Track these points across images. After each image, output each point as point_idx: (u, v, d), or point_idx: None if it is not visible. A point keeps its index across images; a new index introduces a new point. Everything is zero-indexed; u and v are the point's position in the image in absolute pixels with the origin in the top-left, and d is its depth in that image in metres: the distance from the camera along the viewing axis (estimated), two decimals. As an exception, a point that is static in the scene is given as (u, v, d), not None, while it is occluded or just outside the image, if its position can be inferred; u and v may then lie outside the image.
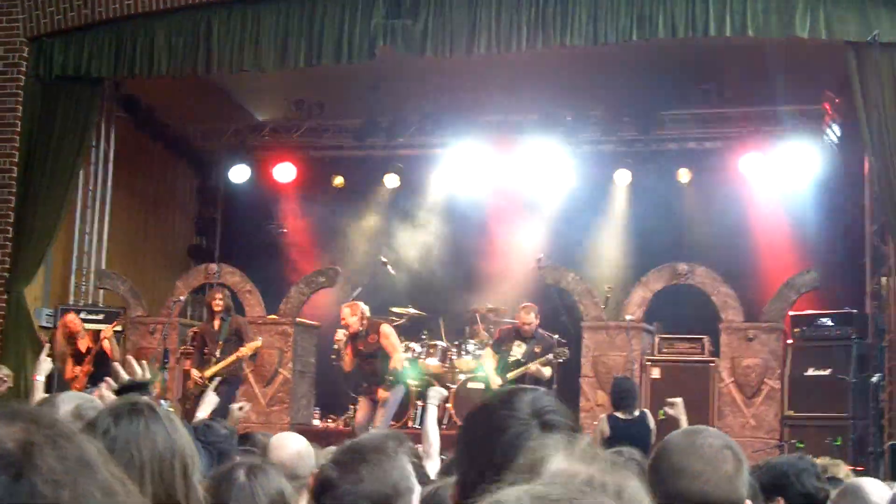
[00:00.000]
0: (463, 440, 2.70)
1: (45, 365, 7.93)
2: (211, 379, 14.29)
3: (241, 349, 14.32)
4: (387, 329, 14.45)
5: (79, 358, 15.02)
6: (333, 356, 14.57)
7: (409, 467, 3.13)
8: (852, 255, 16.13)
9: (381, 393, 14.01)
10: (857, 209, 15.85)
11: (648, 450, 6.62)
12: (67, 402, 3.96)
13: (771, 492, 4.92)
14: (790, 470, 4.98)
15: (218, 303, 14.72)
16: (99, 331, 15.23)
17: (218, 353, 14.39)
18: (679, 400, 10.24)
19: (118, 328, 15.69)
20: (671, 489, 3.16)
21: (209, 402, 7.55)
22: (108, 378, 14.46)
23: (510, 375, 14.14)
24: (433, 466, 6.12)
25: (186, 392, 14.45)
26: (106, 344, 15.09)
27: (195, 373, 14.47)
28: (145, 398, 3.01)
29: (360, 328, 14.17)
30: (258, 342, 14.63)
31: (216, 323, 14.69)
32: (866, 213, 15.41)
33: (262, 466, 3.85)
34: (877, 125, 13.03)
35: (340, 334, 14.33)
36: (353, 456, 3.12)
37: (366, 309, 14.42)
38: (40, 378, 8.00)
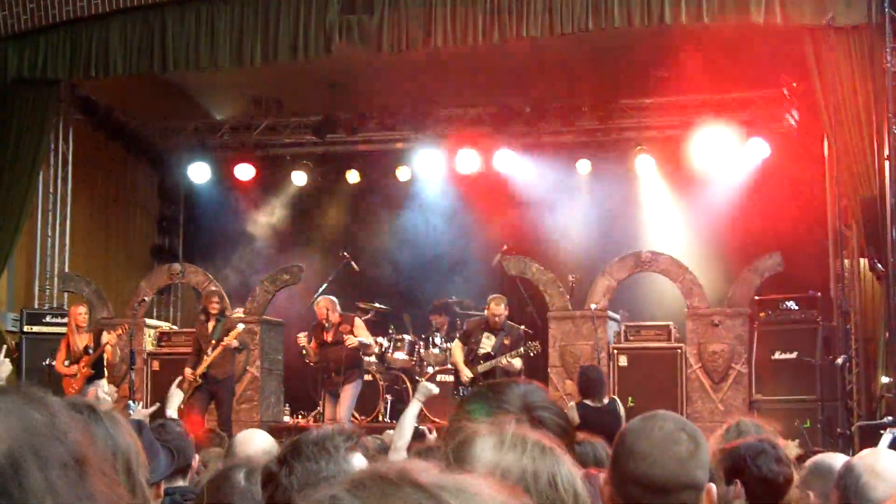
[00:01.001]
0: (452, 433, 2.70)
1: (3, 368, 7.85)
2: (202, 376, 14.40)
3: (225, 339, 14.44)
4: (359, 321, 14.84)
5: (75, 355, 14.99)
6: (303, 353, 14.62)
7: (355, 462, 3.09)
8: (815, 237, 16.19)
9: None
10: (818, 192, 15.90)
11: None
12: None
13: (731, 474, 4.93)
14: (747, 453, 4.97)
15: (215, 306, 14.90)
16: (100, 332, 15.19)
17: (210, 352, 14.48)
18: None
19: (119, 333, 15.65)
20: (623, 471, 3.18)
21: (174, 397, 7.52)
22: (100, 381, 14.47)
23: (481, 368, 14.13)
24: (399, 459, 6.08)
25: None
26: (108, 349, 15.14)
27: (188, 371, 14.54)
28: (88, 399, 2.97)
29: (334, 321, 14.37)
30: (240, 327, 14.74)
31: (210, 324, 14.77)
32: (827, 196, 15.47)
33: (259, 468, 3.83)
34: (835, 107, 13.08)
35: (302, 337, 14.56)
36: (292, 450, 3.10)
37: (338, 305, 14.62)
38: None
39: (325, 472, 3.01)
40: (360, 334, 14.49)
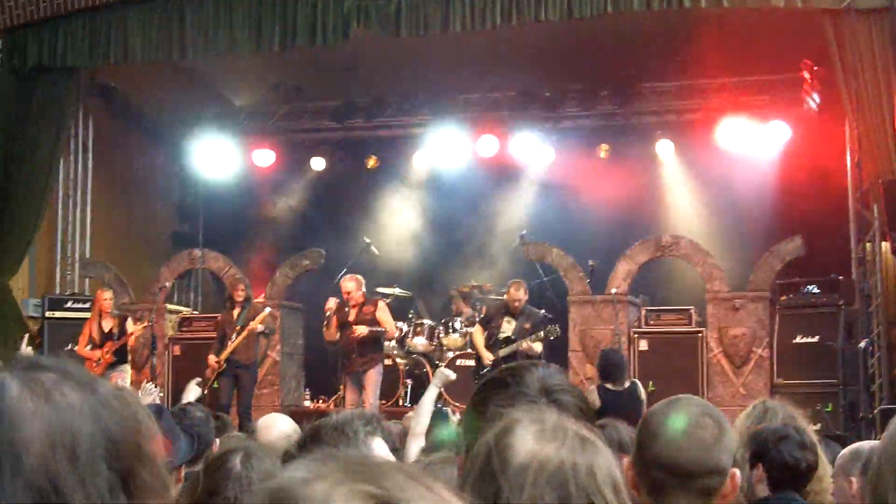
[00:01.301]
0: (471, 411, 2.70)
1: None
2: (226, 361, 14.45)
3: (250, 324, 14.50)
4: (383, 305, 14.83)
5: (98, 339, 15.03)
6: (324, 324, 14.58)
7: (375, 447, 3.09)
8: (836, 221, 16.12)
9: (360, 328, 14.11)
10: (839, 175, 15.83)
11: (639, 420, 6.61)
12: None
13: (754, 459, 4.91)
14: (770, 437, 4.95)
15: (240, 293, 14.98)
16: (125, 318, 15.25)
17: (234, 338, 14.53)
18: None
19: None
20: (648, 456, 3.18)
21: (192, 391, 7.53)
22: (123, 366, 14.52)
23: (502, 352, 14.13)
24: (417, 444, 6.11)
25: (205, 379, 14.48)
26: (132, 340, 15.19)
27: (212, 358, 14.65)
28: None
29: (358, 300, 14.35)
30: (266, 311, 14.77)
31: (235, 312, 14.84)
32: (849, 180, 15.40)
33: (256, 453, 3.82)
34: (856, 91, 13.04)
35: (332, 302, 14.44)
36: (312, 434, 3.10)
37: (364, 284, 14.62)
38: None
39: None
40: (383, 318, 14.47)
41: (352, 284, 14.47)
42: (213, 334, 15.18)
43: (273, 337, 16.50)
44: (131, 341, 15.32)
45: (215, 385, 14.57)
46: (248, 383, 14.85)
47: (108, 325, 15.13)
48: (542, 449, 2.02)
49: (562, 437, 2.04)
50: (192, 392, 7.50)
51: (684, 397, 3.44)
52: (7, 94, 15.74)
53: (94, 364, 14.88)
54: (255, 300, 16.18)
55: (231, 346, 14.54)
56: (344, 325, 14.42)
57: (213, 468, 3.77)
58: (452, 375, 8.34)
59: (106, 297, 15.34)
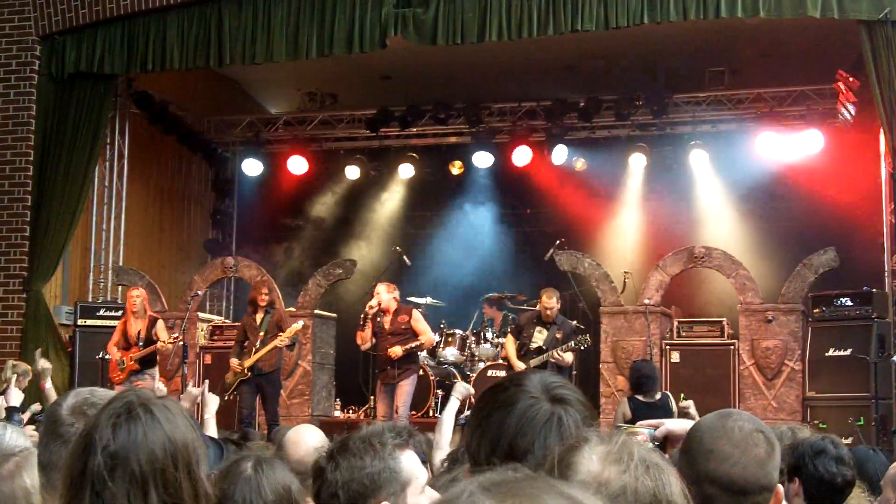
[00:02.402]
0: (475, 417, 2.71)
1: (44, 369, 7.81)
2: (250, 369, 14.39)
3: (280, 336, 14.40)
4: (417, 314, 14.67)
5: (126, 342, 14.92)
6: (361, 323, 14.48)
7: (405, 460, 3.09)
8: (870, 233, 16.05)
9: (398, 350, 14.05)
10: (874, 187, 15.77)
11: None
12: (72, 397, 3.95)
13: (791, 472, 4.90)
14: (807, 452, 4.93)
15: (264, 297, 14.75)
16: (155, 321, 15.10)
17: (258, 345, 14.46)
18: (690, 402, 9.95)
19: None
20: (701, 471, 3.13)
21: (211, 404, 7.52)
22: (151, 371, 14.44)
23: (533, 362, 14.12)
24: (440, 457, 6.12)
25: (224, 383, 14.43)
26: (159, 345, 14.97)
27: (234, 362, 14.48)
28: (142, 395, 2.94)
29: (391, 307, 14.29)
30: (299, 325, 14.69)
31: (258, 316, 14.73)
32: (884, 191, 15.33)
33: (269, 460, 3.84)
34: (891, 102, 12.99)
35: (374, 301, 14.33)
36: (340, 445, 3.12)
37: (398, 292, 14.58)
38: (49, 385, 7.87)
39: (370, 468, 3.03)
40: (419, 327, 14.40)
41: (382, 287, 14.41)
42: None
43: (304, 346, 16.52)
44: (159, 348, 15.04)
45: (234, 394, 14.47)
46: (273, 391, 14.69)
47: (136, 326, 14.85)
48: (605, 470, 2.00)
49: (627, 460, 2.02)
50: (212, 403, 7.48)
51: (735, 412, 3.42)
52: (45, 100, 15.83)
53: (118, 367, 14.79)
54: (286, 310, 16.21)
55: (256, 355, 14.39)
56: (378, 333, 14.38)
57: (224, 473, 3.79)
58: (471, 389, 8.44)
59: (133, 294, 15.08)
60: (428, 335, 14.57)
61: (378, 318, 14.33)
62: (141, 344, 14.75)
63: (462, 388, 8.32)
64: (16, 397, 7.64)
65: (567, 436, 2.56)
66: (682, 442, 3.36)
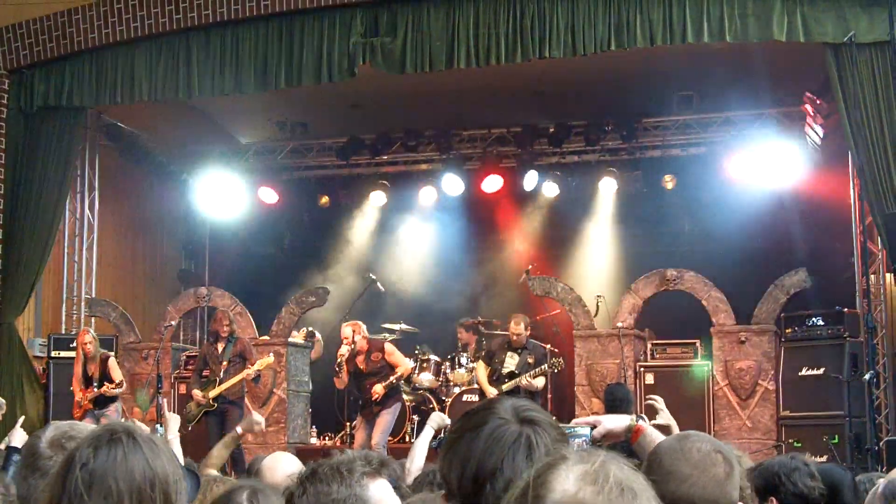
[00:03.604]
0: (447, 441, 2.72)
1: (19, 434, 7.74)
2: (216, 399, 14.37)
3: (249, 367, 14.45)
4: (390, 347, 14.69)
5: (87, 381, 15.01)
6: (336, 369, 14.51)
7: (374, 488, 3.11)
8: (841, 253, 16.15)
9: (378, 388, 14.09)
10: (843, 207, 15.87)
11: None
12: (51, 431, 3.96)
13: (764, 493, 4.93)
14: (781, 470, 4.97)
15: (225, 328, 14.84)
16: (107, 360, 15.18)
17: (221, 374, 14.46)
18: (658, 399, 9.65)
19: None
20: (661, 492, 3.14)
21: (172, 422, 7.52)
22: (112, 407, 14.33)
23: (505, 387, 14.17)
24: (409, 482, 6.14)
25: (187, 414, 14.42)
26: (104, 389, 15.00)
27: (197, 393, 14.50)
28: (127, 424, 2.99)
29: (363, 347, 14.30)
30: (270, 359, 14.73)
31: (220, 345, 14.73)
32: (854, 212, 15.43)
33: (263, 490, 3.84)
34: (857, 124, 13.07)
35: (344, 349, 14.36)
36: (311, 473, 3.13)
37: (364, 328, 14.57)
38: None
39: (336, 494, 3.03)
40: (395, 360, 14.42)
41: (348, 331, 14.42)
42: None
43: (279, 374, 16.52)
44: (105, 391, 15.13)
45: (199, 423, 14.46)
46: (235, 419, 14.69)
47: (91, 367, 15.05)
48: (580, 491, 2.00)
49: (602, 482, 2.01)
50: (173, 422, 7.49)
51: (692, 433, 3.45)
52: (14, 134, 15.80)
53: (77, 407, 14.87)
54: (262, 338, 16.22)
55: (222, 386, 14.38)
56: (356, 374, 14.42)
57: (219, 502, 3.80)
58: (447, 420, 8.47)
59: (86, 340, 15.18)
60: (404, 365, 14.59)
61: (354, 359, 14.35)
62: (95, 385, 14.84)
63: (437, 418, 8.36)
64: (19, 437, 7.61)
65: (537, 456, 2.58)
66: (643, 463, 3.38)
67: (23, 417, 8.75)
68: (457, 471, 2.61)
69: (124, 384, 15.25)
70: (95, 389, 14.90)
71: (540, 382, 14.31)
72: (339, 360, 14.36)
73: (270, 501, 3.74)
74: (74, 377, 15.16)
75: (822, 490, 4.98)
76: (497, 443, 2.61)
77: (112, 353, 15.69)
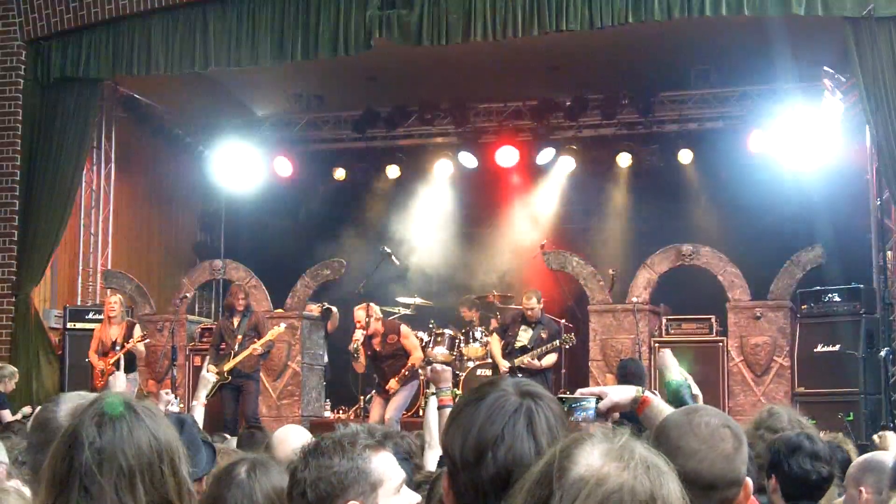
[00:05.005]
0: (450, 417, 2.73)
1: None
2: (230, 372, 14.42)
3: (261, 339, 14.52)
4: (405, 329, 14.74)
5: (104, 347, 15.00)
6: (354, 355, 14.56)
7: (377, 462, 3.10)
8: (858, 229, 16.07)
9: (392, 383, 14.15)
10: (860, 183, 15.79)
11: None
12: (67, 402, 3.96)
13: (769, 469, 4.90)
14: (782, 449, 4.93)
15: (241, 302, 14.90)
16: (133, 326, 15.19)
17: (236, 348, 14.51)
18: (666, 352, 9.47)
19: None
20: None
21: (204, 385, 7.53)
22: (130, 377, 14.37)
23: (517, 361, 14.19)
24: (434, 455, 6.11)
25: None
26: (138, 349, 15.09)
27: (212, 369, 14.52)
28: (124, 396, 2.99)
29: (378, 329, 14.32)
30: (280, 328, 14.76)
31: (235, 319, 14.78)
32: (871, 187, 15.35)
33: (264, 463, 3.83)
34: (876, 98, 13.01)
35: (359, 334, 14.39)
36: (314, 446, 3.14)
37: (378, 310, 14.59)
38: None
39: (337, 467, 3.04)
40: (409, 344, 14.49)
41: (361, 314, 14.44)
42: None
43: (294, 347, 16.54)
44: (137, 351, 15.17)
45: (212, 396, 14.51)
46: (253, 392, 14.75)
47: (114, 332, 15.02)
48: (604, 467, 2.00)
49: (627, 459, 2.02)
50: (203, 387, 7.49)
51: (700, 407, 3.44)
52: (31, 106, 15.83)
53: (99, 374, 14.86)
54: (277, 311, 16.24)
55: (236, 359, 14.47)
56: (373, 357, 14.48)
57: (218, 477, 3.80)
58: (455, 390, 8.44)
59: (111, 301, 15.27)
60: (417, 352, 14.65)
61: (370, 340, 14.37)
62: (118, 349, 14.82)
63: (429, 373, 8.33)
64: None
65: (538, 428, 2.60)
66: (650, 436, 3.37)
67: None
68: (458, 441, 2.62)
69: (145, 343, 15.28)
70: (118, 351, 14.88)
71: (552, 359, 14.34)
72: (354, 345, 14.38)
73: (271, 474, 3.74)
74: (93, 342, 15.12)
75: (822, 473, 4.93)
76: (498, 412, 2.63)
77: (137, 321, 15.73)
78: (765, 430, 5.44)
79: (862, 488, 4.93)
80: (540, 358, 14.34)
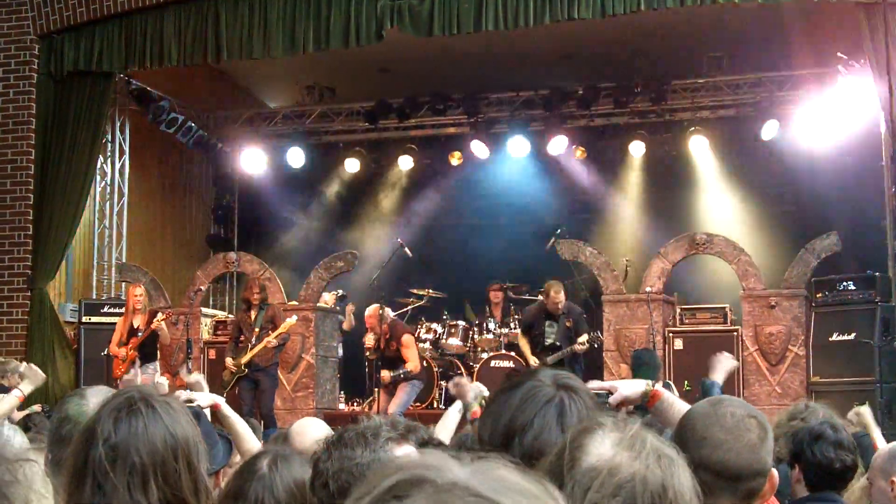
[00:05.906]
0: (486, 405, 2.77)
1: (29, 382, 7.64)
2: (247, 365, 14.47)
3: (271, 334, 14.60)
4: (407, 339, 14.84)
5: (129, 335, 15.01)
6: (367, 354, 14.88)
7: (399, 453, 3.10)
8: (873, 217, 16.02)
9: (385, 374, 14.33)
10: (875, 170, 15.74)
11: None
12: (96, 396, 3.95)
13: (792, 458, 4.89)
14: (805, 438, 4.91)
15: (256, 296, 14.95)
16: (154, 313, 15.22)
17: (253, 341, 14.56)
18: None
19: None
20: (694, 458, 3.12)
21: (199, 386, 7.52)
22: (152, 364, 14.44)
23: (550, 359, 14.18)
24: None
25: (222, 382, 14.54)
26: (162, 331, 15.12)
27: (229, 361, 14.63)
28: (144, 391, 2.99)
29: (385, 330, 14.46)
30: (292, 320, 14.78)
31: (252, 313, 14.83)
32: (886, 175, 15.30)
33: (287, 456, 3.82)
34: (890, 85, 12.96)
35: (370, 339, 14.67)
36: (337, 437, 3.14)
37: (389, 312, 14.73)
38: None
39: (360, 459, 3.04)
40: (408, 354, 14.64)
41: (374, 321, 14.81)
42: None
43: (307, 339, 16.56)
44: (161, 334, 15.17)
45: (231, 389, 14.55)
46: (269, 386, 14.80)
47: (137, 321, 15.04)
48: (616, 456, 2.01)
49: (639, 448, 2.02)
50: (200, 389, 7.45)
51: (726, 398, 3.43)
52: (45, 99, 15.85)
53: (121, 362, 14.87)
54: (283, 303, 16.25)
55: (253, 351, 14.54)
56: (382, 357, 14.79)
57: (241, 470, 3.79)
58: (485, 391, 8.43)
59: (136, 293, 15.28)
60: (414, 362, 14.73)
61: (379, 341, 14.71)
62: (141, 334, 14.85)
63: (477, 389, 8.32)
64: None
65: (569, 420, 2.63)
66: (674, 429, 3.36)
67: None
68: (490, 426, 2.64)
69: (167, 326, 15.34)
70: (140, 335, 14.90)
71: (582, 339, 14.34)
72: (367, 353, 14.92)
73: (293, 467, 3.73)
74: (115, 334, 15.10)
75: (846, 462, 4.91)
76: (531, 400, 2.68)
77: (160, 310, 15.76)
78: (799, 420, 5.42)
79: (894, 478, 4.87)
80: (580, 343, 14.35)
